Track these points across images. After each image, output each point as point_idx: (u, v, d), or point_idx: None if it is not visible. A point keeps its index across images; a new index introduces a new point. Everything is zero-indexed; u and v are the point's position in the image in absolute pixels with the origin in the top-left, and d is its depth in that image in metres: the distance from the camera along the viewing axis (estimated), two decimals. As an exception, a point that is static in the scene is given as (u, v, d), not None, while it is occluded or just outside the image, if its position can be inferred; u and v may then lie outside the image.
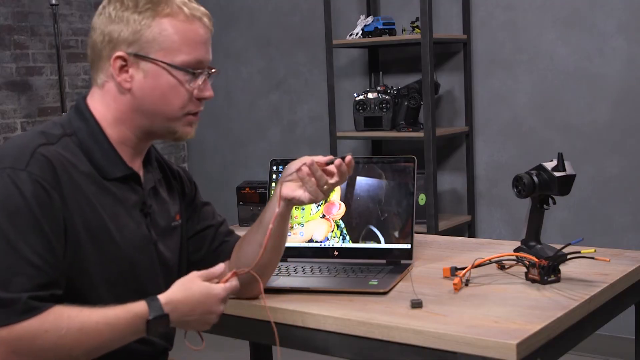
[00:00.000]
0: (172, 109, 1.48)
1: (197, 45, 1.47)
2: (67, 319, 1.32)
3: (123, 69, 1.46)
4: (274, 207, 1.58)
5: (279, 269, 1.82)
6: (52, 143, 1.41)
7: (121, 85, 1.46)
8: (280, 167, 2.01)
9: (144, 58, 1.45)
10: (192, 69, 1.47)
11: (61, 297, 1.35)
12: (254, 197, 2.51)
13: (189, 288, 1.41)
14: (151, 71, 1.45)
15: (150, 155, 1.60)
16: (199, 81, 1.49)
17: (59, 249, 1.36)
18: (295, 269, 1.83)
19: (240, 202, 2.53)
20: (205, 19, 1.50)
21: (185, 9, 1.46)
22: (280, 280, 1.75)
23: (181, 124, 1.50)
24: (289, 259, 1.92)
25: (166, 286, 1.43)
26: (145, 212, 1.53)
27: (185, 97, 1.48)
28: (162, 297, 1.39)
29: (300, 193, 1.56)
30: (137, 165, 1.54)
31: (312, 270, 1.82)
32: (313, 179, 1.55)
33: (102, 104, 1.50)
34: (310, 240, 1.95)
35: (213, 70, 1.52)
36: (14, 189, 1.32)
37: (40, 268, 1.32)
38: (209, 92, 1.51)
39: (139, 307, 1.37)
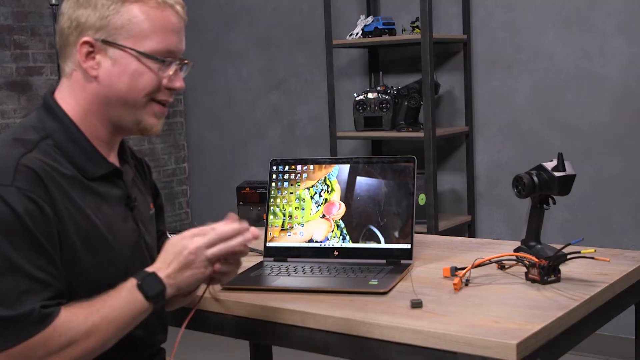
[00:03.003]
0: (137, 95, 1.42)
1: (168, 33, 1.42)
2: (83, 317, 1.30)
3: (90, 55, 1.41)
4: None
5: (279, 269, 1.82)
6: (31, 151, 1.35)
7: (87, 73, 1.41)
8: (280, 167, 2.01)
9: (112, 45, 1.40)
10: (162, 58, 1.42)
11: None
12: (254, 197, 2.51)
13: (173, 245, 1.40)
14: (119, 58, 1.41)
15: (124, 146, 1.57)
16: (170, 71, 1.44)
17: (59, 260, 1.33)
18: (295, 269, 1.83)
19: (240, 202, 2.53)
20: (178, 7, 1.45)
21: None
22: (280, 280, 1.74)
23: (146, 112, 1.44)
24: (289, 259, 1.91)
25: None
26: (131, 206, 1.50)
27: (154, 83, 1.43)
28: (159, 271, 1.38)
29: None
30: (113, 160, 1.50)
31: (312, 270, 1.82)
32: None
33: (70, 96, 1.45)
34: (310, 240, 1.94)
35: (185, 62, 1.47)
36: (4, 207, 1.27)
37: (46, 282, 1.29)
38: (179, 83, 1.46)
39: (139, 295, 1.36)
